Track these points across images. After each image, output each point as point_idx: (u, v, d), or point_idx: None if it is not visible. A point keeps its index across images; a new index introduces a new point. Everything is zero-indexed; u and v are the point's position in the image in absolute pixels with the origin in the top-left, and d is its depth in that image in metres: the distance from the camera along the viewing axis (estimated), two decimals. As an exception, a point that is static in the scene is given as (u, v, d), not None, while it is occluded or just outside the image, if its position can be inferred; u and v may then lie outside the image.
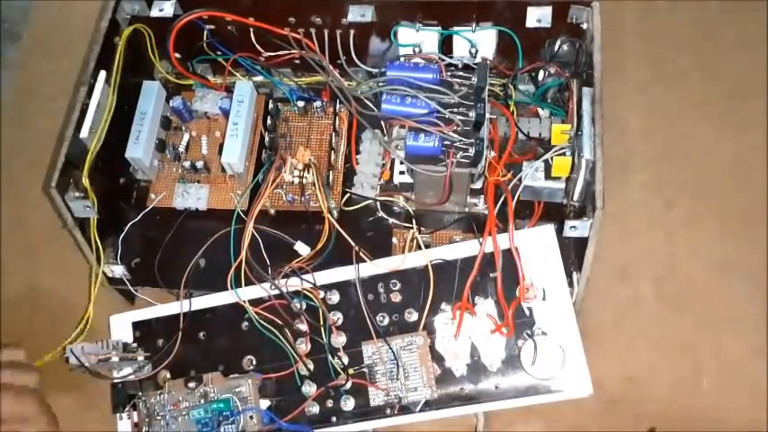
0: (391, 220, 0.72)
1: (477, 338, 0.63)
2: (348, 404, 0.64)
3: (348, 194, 0.73)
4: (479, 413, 0.66)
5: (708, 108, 0.80)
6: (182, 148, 0.76)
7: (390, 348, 0.63)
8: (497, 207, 0.64)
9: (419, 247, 0.68)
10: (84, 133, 0.67)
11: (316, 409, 0.64)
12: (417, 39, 0.71)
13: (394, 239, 0.71)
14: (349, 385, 0.64)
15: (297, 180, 0.72)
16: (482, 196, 0.71)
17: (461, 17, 0.70)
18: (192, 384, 0.64)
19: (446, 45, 0.72)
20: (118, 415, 0.67)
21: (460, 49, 0.71)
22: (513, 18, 0.70)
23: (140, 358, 0.67)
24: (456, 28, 0.70)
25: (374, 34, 0.73)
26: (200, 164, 0.74)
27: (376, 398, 0.63)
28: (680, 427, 0.67)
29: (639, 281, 0.73)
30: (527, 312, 0.63)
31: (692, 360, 0.69)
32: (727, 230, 0.74)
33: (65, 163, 0.67)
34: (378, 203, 0.72)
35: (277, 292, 0.65)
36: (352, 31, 0.72)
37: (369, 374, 0.64)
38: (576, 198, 0.66)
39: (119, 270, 0.71)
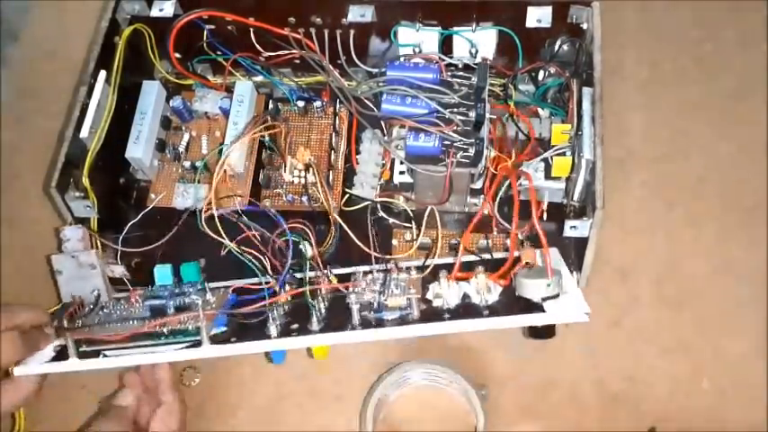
0: (391, 220, 0.72)
1: (470, 290, 0.60)
2: (315, 320, 0.60)
3: (348, 195, 0.73)
4: (479, 412, 0.66)
5: (708, 108, 0.80)
6: (182, 148, 0.76)
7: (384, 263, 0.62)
8: (496, 204, 0.66)
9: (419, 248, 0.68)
10: (84, 133, 0.67)
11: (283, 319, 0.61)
12: (417, 39, 0.71)
13: (394, 241, 0.71)
14: (325, 288, 0.62)
15: (297, 180, 0.72)
16: (482, 196, 0.71)
17: (461, 17, 0.70)
18: None
19: (446, 45, 0.72)
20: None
21: (460, 49, 0.71)
22: (513, 18, 0.70)
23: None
24: (456, 28, 0.70)
25: (374, 34, 0.73)
26: (199, 164, 0.74)
27: (351, 307, 0.59)
28: (680, 427, 0.67)
29: (639, 281, 0.73)
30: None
31: (692, 360, 0.69)
32: (727, 230, 0.74)
33: (65, 163, 0.67)
34: (378, 203, 0.72)
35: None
36: (352, 31, 0.72)
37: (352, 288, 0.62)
38: (576, 198, 0.66)
39: (119, 270, 0.71)
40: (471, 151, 0.64)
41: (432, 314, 0.59)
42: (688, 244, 0.74)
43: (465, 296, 0.60)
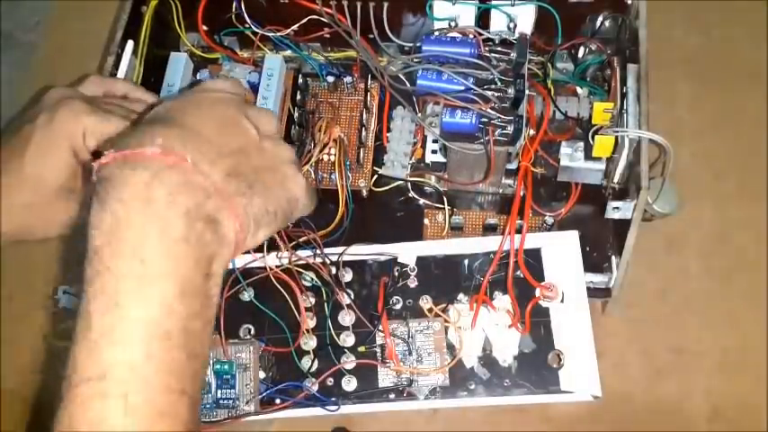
0: (422, 201, 0.70)
1: (491, 332, 0.61)
2: (350, 384, 0.60)
3: (377, 174, 0.70)
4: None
5: (758, 77, 0.78)
6: (209, 123, 0.74)
7: (407, 325, 0.61)
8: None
9: (451, 229, 0.67)
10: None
11: (315, 387, 0.60)
12: (453, 12, 0.68)
13: (426, 220, 0.69)
14: (353, 365, 0.61)
15: (326, 158, 0.70)
16: (516, 177, 0.68)
17: (500, -10, 0.67)
18: None
19: (483, 20, 0.69)
20: None
21: (498, 24, 0.68)
22: (553, -8, 0.66)
23: None
24: (494, 2, 0.67)
25: (408, 8, 0.70)
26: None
27: (385, 379, 0.60)
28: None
29: (687, 252, 0.72)
30: (544, 312, 0.61)
31: (741, 333, 0.68)
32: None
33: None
34: (408, 183, 0.70)
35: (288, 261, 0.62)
36: (385, 5, 0.69)
37: (380, 355, 0.61)
38: (616, 179, 0.63)
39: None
40: (509, 129, 0.62)
41: (459, 381, 0.60)
42: (736, 215, 0.73)
43: (485, 346, 0.60)
